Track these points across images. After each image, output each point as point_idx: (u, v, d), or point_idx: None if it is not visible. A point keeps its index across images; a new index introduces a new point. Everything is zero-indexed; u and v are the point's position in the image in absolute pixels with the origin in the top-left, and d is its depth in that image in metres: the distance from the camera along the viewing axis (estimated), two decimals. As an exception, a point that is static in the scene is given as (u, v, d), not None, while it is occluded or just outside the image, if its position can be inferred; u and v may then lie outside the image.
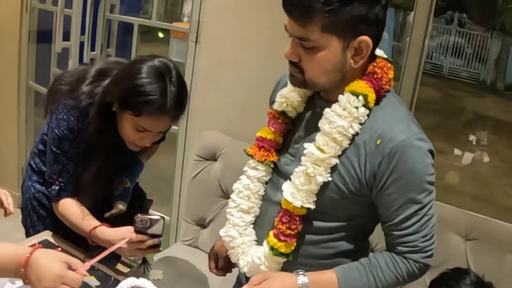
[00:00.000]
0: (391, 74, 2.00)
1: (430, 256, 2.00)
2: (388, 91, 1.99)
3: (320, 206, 1.99)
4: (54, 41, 4.66)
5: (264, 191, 2.16)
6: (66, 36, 4.45)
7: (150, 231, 2.33)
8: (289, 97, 2.13)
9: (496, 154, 8.67)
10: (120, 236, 2.35)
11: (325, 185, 1.95)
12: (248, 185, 2.15)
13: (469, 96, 12.49)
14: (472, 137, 8.29)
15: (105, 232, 2.42)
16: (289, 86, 2.13)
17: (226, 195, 3.38)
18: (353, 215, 2.05)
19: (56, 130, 2.43)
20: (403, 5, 13.60)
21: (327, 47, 1.84)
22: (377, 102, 1.95)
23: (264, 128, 2.17)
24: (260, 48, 3.42)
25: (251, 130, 2.31)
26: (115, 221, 2.51)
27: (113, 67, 2.50)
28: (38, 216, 2.68)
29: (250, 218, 2.16)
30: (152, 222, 2.33)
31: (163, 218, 2.37)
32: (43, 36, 5.04)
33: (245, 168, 2.18)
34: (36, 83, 4.85)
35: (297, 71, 1.93)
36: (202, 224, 3.55)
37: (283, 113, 2.14)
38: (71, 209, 2.49)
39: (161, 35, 7.96)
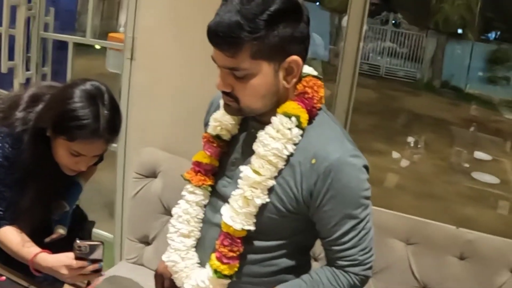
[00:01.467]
0: (321, 92, 2.00)
1: (370, 268, 2.02)
2: (320, 109, 2.01)
3: (260, 226, 1.99)
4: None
5: (204, 213, 2.16)
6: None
7: (90, 256, 2.29)
8: (223, 120, 2.12)
9: (435, 152, 8.81)
10: (60, 262, 2.32)
11: (263, 206, 1.96)
12: (187, 209, 2.15)
13: (406, 95, 12.67)
14: (410, 139, 8.42)
15: (46, 258, 2.37)
16: (222, 110, 2.10)
17: (168, 211, 3.35)
18: (292, 232, 2.06)
19: None
20: (337, 9, 13.76)
21: (259, 73, 1.85)
22: (310, 121, 1.97)
23: (200, 152, 2.16)
24: (197, 64, 3.40)
25: (190, 146, 2.32)
26: (57, 246, 2.46)
27: (46, 91, 2.46)
28: None
29: (191, 241, 2.16)
30: (92, 247, 2.29)
31: (102, 243, 2.33)
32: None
33: (183, 193, 2.18)
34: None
35: (231, 100, 1.93)
36: (146, 241, 3.53)
37: (217, 137, 2.14)
38: (11, 237, 2.44)
39: (97, 46, 7.88)
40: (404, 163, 7.67)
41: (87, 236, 2.90)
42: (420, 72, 14.64)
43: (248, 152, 2.02)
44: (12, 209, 2.45)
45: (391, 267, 2.92)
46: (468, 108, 12.06)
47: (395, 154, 7.85)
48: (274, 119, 1.93)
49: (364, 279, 2.03)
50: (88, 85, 2.31)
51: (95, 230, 4.03)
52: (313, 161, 1.89)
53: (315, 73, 2.06)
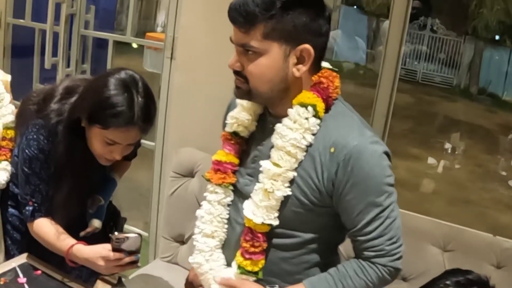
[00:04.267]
0: (337, 82, 2.03)
1: (399, 258, 2.00)
2: (336, 99, 2.02)
3: (285, 221, 2.00)
4: (36, 57, 4.74)
5: (228, 213, 2.16)
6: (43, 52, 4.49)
7: (127, 248, 2.31)
8: (239, 117, 2.14)
9: (471, 158, 8.74)
10: (97, 253, 2.34)
11: (286, 200, 1.97)
12: (209, 209, 2.16)
13: (442, 101, 12.58)
14: (447, 145, 8.36)
15: (82, 250, 2.39)
16: (238, 107, 2.16)
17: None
18: (320, 227, 2.06)
19: (26, 151, 2.41)
20: (375, 12, 13.69)
21: (268, 53, 1.89)
22: (327, 111, 1.98)
23: (219, 151, 2.19)
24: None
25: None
26: (91, 240, 2.49)
27: (80, 84, 2.48)
28: (12, 240, 2.65)
29: (215, 242, 2.16)
30: (129, 239, 2.31)
31: (140, 235, 2.35)
32: (18, 52, 5.06)
33: (205, 194, 2.19)
34: (14, 99, 4.79)
35: (242, 81, 1.96)
36: (181, 240, 3.54)
37: (235, 134, 2.15)
38: (46, 229, 2.47)
39: (135, 45, 7.92)
40: (440, 168, 7.61)
41: (119, 231, 2.92)
42: (457, 78, 14.49)
43: (267, 148, 2.03)
44: (47, 202, 2.47)
45: (427, 273, 2.90)
46: (505, 116, 11.94)
47: (431, 160, 7.78)
48: (290, 111, 1.96)
49: (393, 271, 2.01)
50: (122, 74, 2.33)
51: (130, 228, 4.07)
52: (332, 149, 1.91)
53: (330, 66, 2.07)
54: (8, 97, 2.88)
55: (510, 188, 7.73)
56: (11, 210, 2.68)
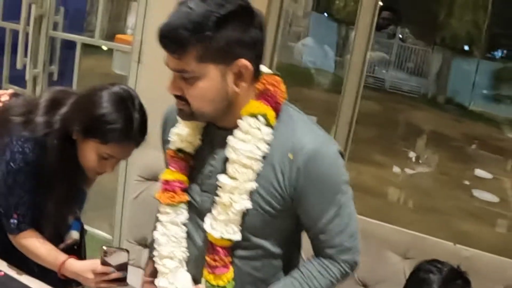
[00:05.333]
0: (282, 87, 2.03)
1: (358, 253, 2.06)
2: (283, 104, 2.02)
3: (251, 232, 2.01)
4: (6, 57, 4.81)
5: (185, 232, 2.14)
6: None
7: (114, 263, 2.32)
8: (182, 133, 2.12)
9: (436, 166, 8.81)
10: (87, 266, 2.37)
11: (250, 212, 1.97)
12: (163, 230, 2.14)
13: (410, 109, 12.66)
14: (413, 153, 8.43)
15: (74, 264, 2.42)
16: (180, 123, 2.13)
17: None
18: (282, 230, 2.08)
19: (11, 163, 2.39)
20: (345, 20, 13.76)
21: (206, 76, 1.87)
22: (276, 117, 1.98)
23: (166, 170, 2.18)
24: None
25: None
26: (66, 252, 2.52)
27: (64, 95, 2.50)
28: None
29: (175, 263, 2.14)
30: (117, 254, 2.33)
31: (128, 251, 2.37)
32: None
33: (157, 215, 2.18)
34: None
35: (183, 104, 1.95)
36: (145, 243, 3.54)
37: (180, 151, 2.13)
38: (34, 242, 2.47)
39: (104, 48, 7.89)
40: (405, 176, 7.67)
41: (84, 243, 2.93)
42: (425, 87, 14.60)
43: (221, 161, 2.02)
44: (31, 214, 2.47)
45: (387, 280, 2.94)
46: (471, 125, 12.05)
47: (396, 167, 7.84)
48: (240, 122, 1.95)
49: (354, 265, 2.07)
50: (117, 88, 2.37)
51: (95, 231, 4.07)
52: (291, 156, 1.92)
53: (270, 71, 2.07)
54: None
55: (473, 197, 7.81)
56: None
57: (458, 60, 14.70)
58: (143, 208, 3.51)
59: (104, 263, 2.33)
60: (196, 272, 2.14)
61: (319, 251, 2.07)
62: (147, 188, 3.51)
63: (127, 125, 2.31)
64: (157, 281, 2.19)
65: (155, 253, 2.18)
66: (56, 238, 2.60)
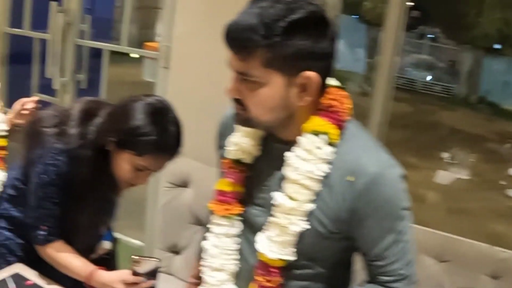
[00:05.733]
0: (348, 103, 1.91)
1: (414, 281, 1.94)
2: (347, 121, 1.90)
3: (303, 253, 1.91)
4: (35, 66, 4.81)
5: (237, 244, 2.05)
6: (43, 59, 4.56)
7: (145, 272, 2.30)
8: (241, 142, 2.02)
9: (469, 167, 8.73)
10: (117, 278, 2.34)
11: (303, 232, 1.87)
12: (215, 242, 2.05)
13: (442, 110, 12.58)
14: (445, 154, 8.36)
15: (102, 275, 2.40)
16: (239, 131, 2.03)
17: (198, 221, 3.37)
18: (334, 253, 1.99)
19: (43, 175, 2.38)
20: (375, 21, 13.70)
21: (269, 83, 1.76)
22: (340, 135, 1.86)
23: (222, 180, 2.07)
24: (229, 74, 3.41)
25: (222, 156, 2.29)
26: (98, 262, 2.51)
27: (97, 106, 2.49)
28: (8, 263, 2.61)
29: (225, 276, 2.06)
30: (148, 263, 2.30)
31: (159, 260, 2.35)
32: (14, 60, 5.10)
33: (210, 226, 2.08)
34: (9, 107, 4.81)
35: (241, 109, 1.84)
36: (176, 250, 3.53)
37: (238, 161, 2.03)
38: (63, 253, 2.47)
39: (134, 55, 7.95)
40: (438, 178, 7.59)
41: (115, 252, 2.93)
42: (457, 87, 14.51)
43: (276, 176, 1.93)
44: (60, 226, 2.47)
45: (422, 284, 2.87)
46: (503, 124, 11.94)
47: (428, 169, 7.77)
48: (301, 139, 1.84)
49: None
50: (153, 100, 2.35)
51: (126, 239, 4.06)
52: (351, 178, 1.81)
53: (337, 83, 1.94)
54: None
55: (508, 197, 7.72)
56: (6, 233, 2.64)
57: (489, 58, 14.59)
58: (173, 215, 3.50)
59: (134, 273, 2.30)
60: (241, 286, 2.07)
61: (373, 277, 1.96)
62: (177, 195, 3.50)
63: (162, 137, 2.29)
64: None
65: (204, 262, 2.10)
66: (88, 249, 2.61)
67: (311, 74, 1.75)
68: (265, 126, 1.90)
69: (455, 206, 7.41)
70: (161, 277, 3.09)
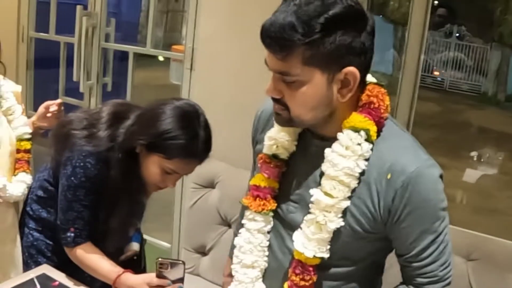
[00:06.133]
0: (387, 100, 1.89)
1: (449, 283, 1.92)
2: (386, 118, 1.89)
3: (336, 252, 1.89)
4: (61, 69, 4.85)
5: (268, 241, 2.05)
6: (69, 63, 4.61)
7: (171, 275, 2.30)
8: (278, 138, 2.00)
9: (498, 166, 8.66)
10: (143, 281, 2.35)
11: (338, 230, 1.85)
12: (249, 238, 2.04)
13: (470, 109, 12.50)
14: (473, 153, 8.30)
15: (129, 278, 2.41)
16: (276, 126, 2.01)
17: (225, 222, 3.38)
18: (369, 253, 1.98)
19: (72, 178, 2.41)
20: (400, 21, 13.63)
21: (310, 81, 1.73)
22: (378, 133, 1.85)
23: (257, 175, 2.04)
24: (255, 74, 3.40)
25: (248, 157, 2.29)
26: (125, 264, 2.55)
27: (126, 109, 2.51)
28: (37, 264, 2.65)
29: (256, 272, 2.05)
30: (173, 266, 2.29)
31: (184, 263, 2.33)
32: (39, 64, 5.14)
33: (243, 221, 2.07)
34: (34, 111, 4.86)
35: (282, 109, 1.82)
36: (203, 251, 3.54)
37: (274, 157, 2.01)
38: (90, 255, 2.49)
39: (161, 58, 7.97)
40: (466, 177, 7.54)
41: (143, 253, 2.94)
42: (485, 85, 14.39)
43: (313, 173, 1.92)
44: (89, 228, 2.49)
45: (451, 282, 2.87)
46: (534, 122, 11.84)
47: (457, 168, 7.72)
48: (341, 135, 1.83)
49: None
50: (183, 104, 2.37)
51: (153, 240, 4.07)
52: (389, 176, 1.79)
53: (374, 80, 1.93)
54: (19, 108, 2.91)
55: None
56: (35, 234, 2.69)
57: (517, 56, 14.45)
58: (199, 216, 3.51)
59: (159, 275, 2.30)
60: (269, 284, 2.06)
61: (409, 279, 1.94)
62: (203, 196, 3.51)
63: (192, 141, 2.30)
64: None
65: (235, 260, 2.09)
66: (117, 251, 2.64)
67: (352, 70, 1.73)
68: (307, 125, 1.89)
69: (484, 205, 7.36)
70: (188, 278, 3.10)
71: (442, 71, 14.61)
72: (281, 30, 1.67)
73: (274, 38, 1.69)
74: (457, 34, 14.55)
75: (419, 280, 1.90)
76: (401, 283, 1.98)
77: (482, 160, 8.52)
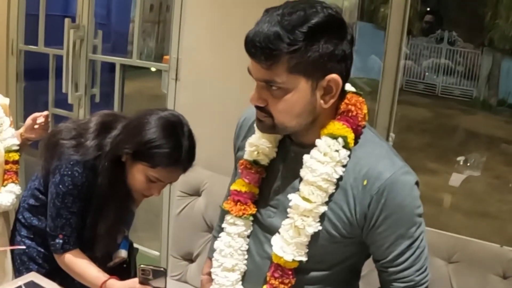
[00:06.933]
0: (365, 109, 1.94)
1: (426, 286, 1.95)
2: (364, 126, 1.94)
3: (313, 255, 1.93)
4: (51, 81, 4.90)
5: (248, 245, 2.09)
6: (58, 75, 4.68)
7: (153, 282, 2.34)
8: (259, 144, 2.04)
9: (489, 170, 8.67)
10: (127, 286, 2.41)
11: (315, 234, 1.89)
12: (229, 242, 2.08)
13: (462, 114, 12.48)
14: (460, 157, 8.30)
15: (114, 284, 2.46)
16: (257, 133, 2.04)
17: (211, 229, 3.38)
18: (346, 257, 2.01)
19: (60, 186, 2.46)
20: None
21: (295, 88, 1.78)
22: (356, 140, 1.89)
23: (238, 180, 2.08)
24: (238, 83, 3.42)
25: (232, 164, 2.32)
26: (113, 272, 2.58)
27: (113, 119, 2.57)
28: (28, 271, 2.68)
29: (236, 275, 2.08)
30: (155, 273, 2.34)
31: (165, 269, 2.38)
32: (31, 75, 5.19)
33: (224, 225, 2.11)
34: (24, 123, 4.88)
35: (265, 116, 1.86)
36: (190, 258, 3.57)
37: (255, 162, 2.05)
38: (78, 262, 2.54)
39: (153, 69, 7.98)
40: (454, 183, 7.54)
41: (133, 262, 2.97)
42: (477, 90, 14.40)
43: (291, 178, 1.97)
44: (76, 235, 2.53)
45: (431, 286, 2.89)
46: (525, 127, 11.84)
47: (447, 173, 7.73)
48: (319, 142, 1.87)
49: None
50: (168, 114, 2.43)
51: (142, 249, 4.10)
52: (365, 182, 1.83)
53: (353, 89, 1.98)
54: (7, 121, 2.94)
55: (528, 201, 7.67)
56: (27, 241, 2.73)
57: (508, 60, 14.47)
58: (186, 224, 3.54)
59: (142, 282, 2.35)
60: (249, 287, 2.10)
61: (386, 284, 1.97)
62: (189, 204, 3.54)
63: (176, 151, 2.36)
64: None
65: (215, 263, 2.12)
66: (105, 257, 2.68)
67: (334, 77, 1.79)
68: (289, 132, 1.93)
69: (474, 209, 7.37)
70: (176, 285, 3.14)
71: (434, 76, 14.62)
72: (266, 40, 1.71)
73: (260, 48, 1.73)
74: (448, 40, 14.58)
75: (396, 285, 1.93)
76: None
77: (473, 165, 8.55)
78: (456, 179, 7.36)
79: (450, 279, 2.89)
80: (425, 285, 1.94)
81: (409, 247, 1.88)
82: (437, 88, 14.48)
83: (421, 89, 13.96)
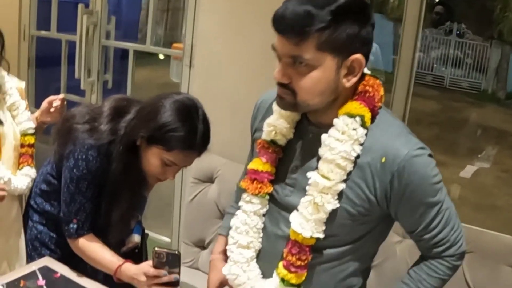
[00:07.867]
0: (381, 91, 1.99)
1: (463, 243, 2.05)
2: (380, 107, 1.99)
3: (331, 233, 1.97)
4: (63, 67, 4.89)
5: (263, 223, 2.12)
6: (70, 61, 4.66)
7: (167, 266, 2.34)
8: (277, 124, 2.07)
9: (498, 164, 8.66)
10: (140, 269, 2.40)
11: (334, 212, 1.94)
12: (245, 219, 2.11)
13: (470, 106, 12.46)
14: (473, 152, 8.30)
15: (129, 268, 2.46)
16: (275, 113, 2.09)
17: (224, 216, 3.41)
18: (360, 236, 2.04)
19: (74, 170, 2.45)
20: (400, 18, 13.63)
21: (321, 65, 1.82)
22: (372, 120, 1.94)
23: (255, 159, 2.13)
24: (252, 70, 3.46)
25: (246, 151, 2.35)
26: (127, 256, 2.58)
27: (127, 103, 2.56)
28: (41, 256, 2.69)
29: (251, 253, 2.12)
30: (169, 256, 2.33)
31: (179, 253, 2.37)
32: (41, 62, 5.18)
33: (240, 203, 2.15)
34: (36, 108, 4.89)
35: (287, 93, 1.89)
36: (202, 245, 3.58)
37: (272, 142, 2.09)
38: (92, 246, 2.54)
39: (161, 57, 7.98)
40: (466, 174, 7.54)
41: (145, 247, 2.97)
42: (485, 83, 14.36)
43: (308, 158, 2.01)
44: (91, 220, 2.54)
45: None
46: (533, 120, 11.81)
47: (456, 166, 7.73)
48: (337, 121, 1.91)
49: (461, 256, 2.06)
50: (182, 97, 2.43)
51: (153, 235, 4.11)
52: (383, 159, 1.88)
53: (370, 73, 2.02)
54: (23, 104, 2.95)
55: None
56: (39, 227, 2.74)
57: (516, 53, 14.41)
58: (198, 210, 3.55)
59: (156, 265, 2.35)
60: (263, 265, 2.14)
61: (426, 251, 2.06)
62: (203, 190, 3.55)
63: (191, 134, 2.35)
64: (226, 269, 2.18)
65: (230, 240, 2.16)
66: (119, 242, 2.67)
67: (358, 57, 1.84)
68: (311, 110, 1.96)
69: (484, 202, 7.37)
70: (188, 271, 3.14)
71: (442, 68, 14.58)
72: (298, 17, 1.76)
73: (290, 24, 1.77)
74: (457, 32, 14.53)
75: (435, 250, 2.02)
76: (420, 257, 2.11)
77: (481, 158, 8.53)
78: (466, 170, 7.37)
79: (463, 270, 2.89)
80: (461, 241, 2.04)
81: (438, 212, 1.95)
82: (445, 80, 14.48)
83: (430, 81, 13.96)
